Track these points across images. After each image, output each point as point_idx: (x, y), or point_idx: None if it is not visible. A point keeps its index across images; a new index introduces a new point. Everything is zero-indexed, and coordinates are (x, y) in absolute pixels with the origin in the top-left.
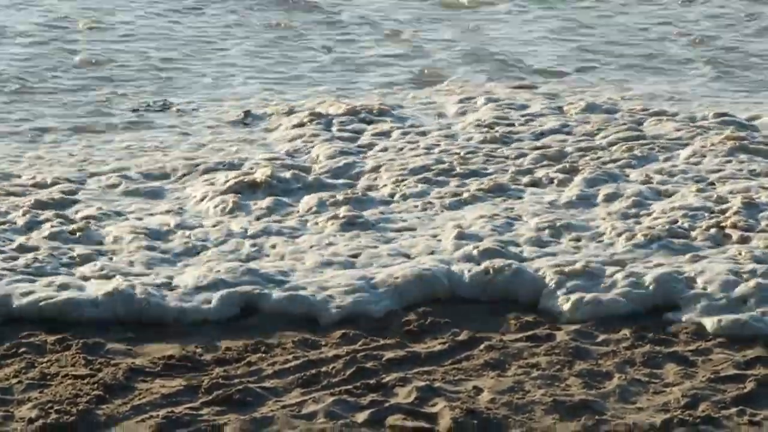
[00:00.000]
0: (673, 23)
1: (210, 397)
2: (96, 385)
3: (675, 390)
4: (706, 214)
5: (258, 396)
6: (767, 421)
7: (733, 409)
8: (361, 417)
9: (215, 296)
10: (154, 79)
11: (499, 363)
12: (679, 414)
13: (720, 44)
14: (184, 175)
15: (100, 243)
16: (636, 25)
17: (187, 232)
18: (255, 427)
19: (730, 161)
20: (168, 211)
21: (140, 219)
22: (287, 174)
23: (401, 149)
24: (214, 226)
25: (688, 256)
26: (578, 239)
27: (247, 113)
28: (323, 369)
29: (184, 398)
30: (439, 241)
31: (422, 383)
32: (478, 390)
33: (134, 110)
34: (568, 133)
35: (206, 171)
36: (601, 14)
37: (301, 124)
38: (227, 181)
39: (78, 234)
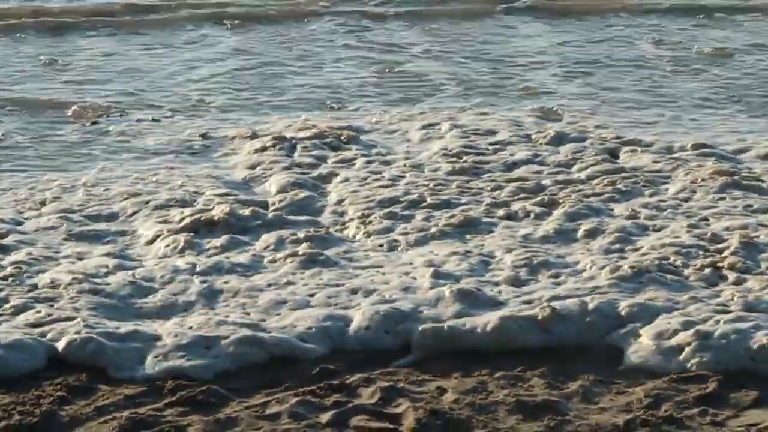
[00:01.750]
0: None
1: (173, 398)
2: (59, 386)
3: (638, 390)
4: (701, 252)
5: (222, 397)
6: (730, 421)
7: (696, 410)
8: (324, 418)
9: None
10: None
11: (463, 364)
12: (642, 414)
13: (696, 63)
14: (134, 213)
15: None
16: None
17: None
18: (219, 428)
19: (723, 198)
20: (109, 254)
21: (73, 263)
22: (246, 211)
23: (365, 179)
24: (164, 267)
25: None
26: (557, 276)
27: (204, 135)
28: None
29: (147, 399)
30: (414, 278)
31: (386, 384)
32: (442, 390)
33: (94, 123)
34: (542, 164)
35: (157, 207)
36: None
37: (263, 149)
38: (182, 219)
39: (10, 279)
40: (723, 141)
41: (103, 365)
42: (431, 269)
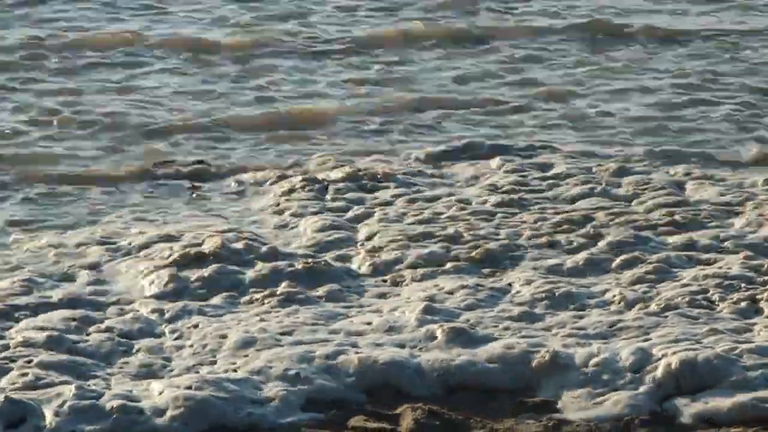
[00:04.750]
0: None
1: None
2: None
3: None
4: (743, 285)
5: None
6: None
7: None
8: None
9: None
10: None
11: None
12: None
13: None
14: (127, 253)
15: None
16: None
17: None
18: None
19: None
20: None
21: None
22: (239, 245)
23: (402, 214)
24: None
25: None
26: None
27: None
28: None
29: None
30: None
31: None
32: (440, 390)
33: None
34: (595, 195)
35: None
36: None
37: (291, 190)
38: (171, 254)
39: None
40: None
41: None
42: (423, 304)
